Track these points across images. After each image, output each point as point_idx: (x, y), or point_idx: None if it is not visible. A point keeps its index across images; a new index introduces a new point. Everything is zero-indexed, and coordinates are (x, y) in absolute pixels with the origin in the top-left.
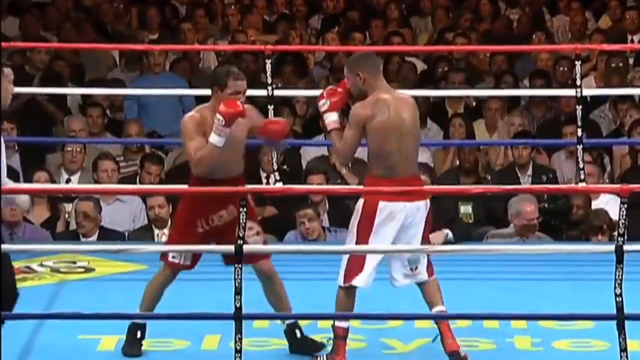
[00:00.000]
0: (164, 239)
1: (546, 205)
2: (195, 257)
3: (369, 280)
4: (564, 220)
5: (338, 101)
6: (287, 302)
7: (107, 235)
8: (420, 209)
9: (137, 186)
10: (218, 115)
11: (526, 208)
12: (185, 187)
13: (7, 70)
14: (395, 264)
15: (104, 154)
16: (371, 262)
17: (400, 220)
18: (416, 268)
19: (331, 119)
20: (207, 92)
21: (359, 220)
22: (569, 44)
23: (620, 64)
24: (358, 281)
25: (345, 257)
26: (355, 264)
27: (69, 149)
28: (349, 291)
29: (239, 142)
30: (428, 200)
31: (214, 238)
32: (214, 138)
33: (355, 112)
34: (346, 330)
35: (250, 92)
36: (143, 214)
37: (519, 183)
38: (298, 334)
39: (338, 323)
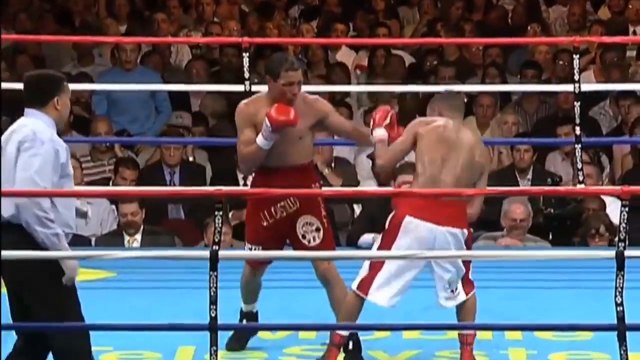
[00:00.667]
0: (135, 244)
1: (552, 211)
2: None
3: (386, 297)
4: (576, 225)
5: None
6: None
7: (72, 240)
8: (455, 235)
9: (109, 188)
10: (266, 121)
11: (514, 209)
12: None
13: (67, 85)
14: (439, 286)
15: None
16: (384, 276)
17: (425, 242)
18: (456, 289)
19: (378, 133)
20: (181, 87)
21: (386, 230)
22: (566, 36)
23: (615, 59)
24: (373, 297)
25: (366, 264)
26: (369, 274)
27: None
28: (359, 298)
29: (296, 137)
30: (466, 228)
31: (281, 233)
32: (260, 140)
33: (413, 122)
34: (343, 338)
35: (228, 88)
36: (111, 217)
37: (517, 186)
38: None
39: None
